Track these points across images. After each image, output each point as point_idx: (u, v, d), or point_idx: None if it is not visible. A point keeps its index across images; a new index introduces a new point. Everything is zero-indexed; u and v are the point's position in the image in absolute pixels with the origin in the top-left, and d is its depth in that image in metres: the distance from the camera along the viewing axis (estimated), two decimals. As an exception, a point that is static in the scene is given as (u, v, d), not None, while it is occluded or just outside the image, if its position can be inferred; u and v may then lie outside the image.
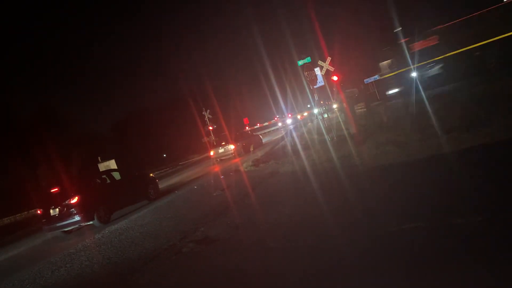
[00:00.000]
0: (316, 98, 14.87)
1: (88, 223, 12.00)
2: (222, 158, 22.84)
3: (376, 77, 22.69)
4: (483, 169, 6.28)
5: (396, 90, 21.52)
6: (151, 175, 16.08)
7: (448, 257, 3.86)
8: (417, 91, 17.37)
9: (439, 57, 20.33)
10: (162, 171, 30.65)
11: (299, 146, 16.52)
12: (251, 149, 20.53)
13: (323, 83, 15.79)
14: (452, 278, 3.47)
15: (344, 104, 15.11)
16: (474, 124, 8.76)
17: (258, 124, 32.11)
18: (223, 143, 22.95)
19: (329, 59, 18.15)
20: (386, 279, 3.78)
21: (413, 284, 3.57)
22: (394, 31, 19.63)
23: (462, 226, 4.40)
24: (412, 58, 20.28)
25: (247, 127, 32.53)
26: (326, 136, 14.63)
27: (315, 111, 15.13)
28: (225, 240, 6.69)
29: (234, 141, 22.66)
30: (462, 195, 5.37)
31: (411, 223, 4.88)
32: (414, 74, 19.97)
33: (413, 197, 5.96)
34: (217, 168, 19.35)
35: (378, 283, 3.74)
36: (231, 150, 22.35)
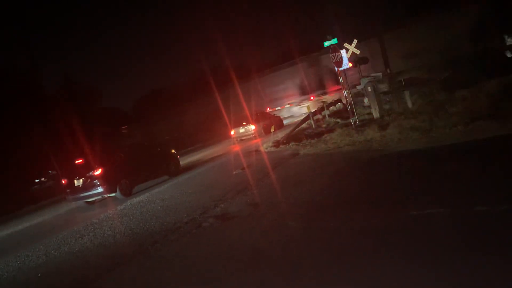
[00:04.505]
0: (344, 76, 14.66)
1: (110, 195, 12.32)
2: (243, 138, 22.85)
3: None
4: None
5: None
6: (172, 151, 16.26)
7: (469, 243, 3.83)
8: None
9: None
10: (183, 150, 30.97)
11: (321, 129, 16.44)
12: (272, 130, 20.51)
13: (348, 66, 15.57)
14: (472, 264, 3.45)
15: (369, 88, 14.87)
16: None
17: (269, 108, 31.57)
18: (244, 123, 22.93)
19: (355, 41, 17.85)
20: (406, 262, 3.79)
21: (432, 268, 3.56)
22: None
23: (485, 213, 4.35)
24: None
25: (268, 108, 32.28)
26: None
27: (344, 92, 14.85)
28: (245, 217, 6.77)
29: (255, 122, 22.61)
30: (486, 183, 5.31)
31: (433, 208, 4.85)
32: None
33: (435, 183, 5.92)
34: (237, 148, 19.43)
35: (398, 267, 3.74)
36: (251, 130, 22.31)
